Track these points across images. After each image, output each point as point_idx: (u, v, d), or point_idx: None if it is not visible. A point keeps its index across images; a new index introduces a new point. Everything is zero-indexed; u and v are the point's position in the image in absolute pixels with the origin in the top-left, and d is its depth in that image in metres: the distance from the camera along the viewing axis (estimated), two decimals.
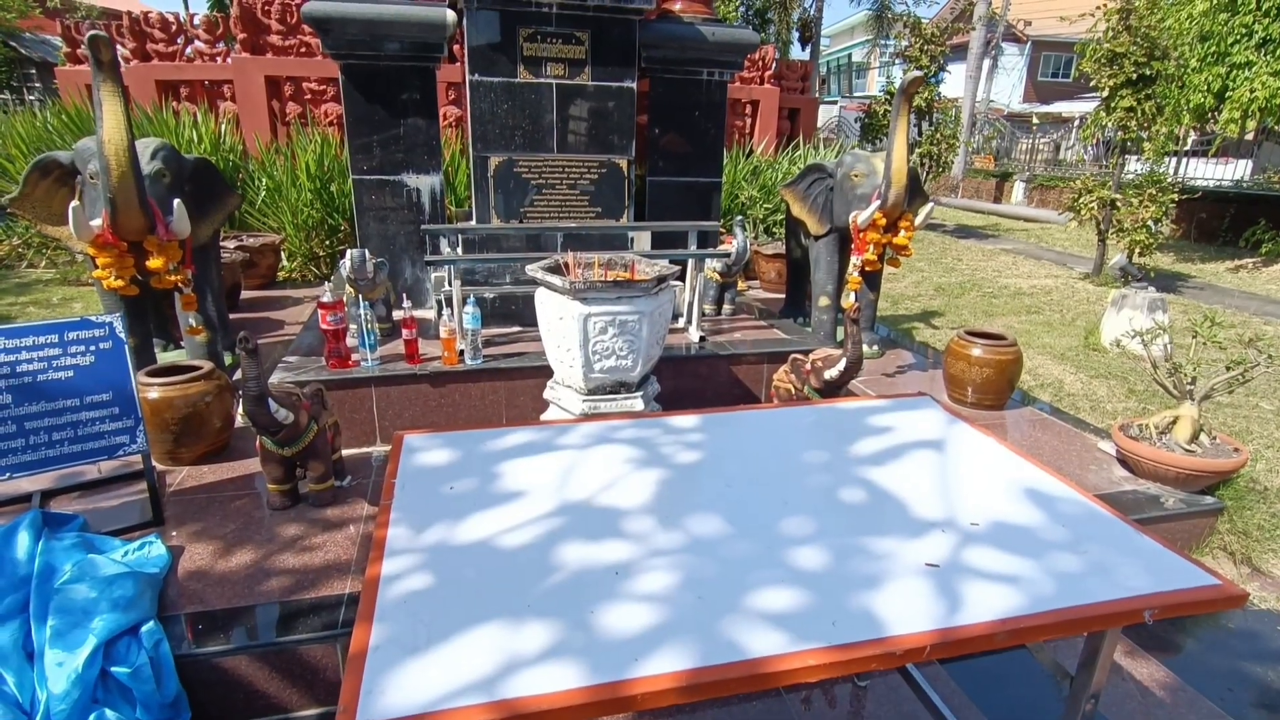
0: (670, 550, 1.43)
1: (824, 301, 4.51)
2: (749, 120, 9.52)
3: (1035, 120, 21.93)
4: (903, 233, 4.01)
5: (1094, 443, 3.48)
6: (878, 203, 3.92)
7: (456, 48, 4.81)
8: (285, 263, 6.63)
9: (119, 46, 7.36)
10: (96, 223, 3.06)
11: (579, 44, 4.04)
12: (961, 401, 3.82)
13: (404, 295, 3.84)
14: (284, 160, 6.85)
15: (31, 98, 17.98)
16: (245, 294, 5.81)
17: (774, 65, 9.65)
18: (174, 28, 7.78)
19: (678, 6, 4.69)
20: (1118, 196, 8.05)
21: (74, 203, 3.07)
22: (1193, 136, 13.12)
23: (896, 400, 2.24)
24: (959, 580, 1.36)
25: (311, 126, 7.38)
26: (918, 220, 4.11)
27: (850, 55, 36.04)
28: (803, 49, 23.45)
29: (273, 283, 6.39)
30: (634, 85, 4.19)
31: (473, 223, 4.26)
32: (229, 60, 7.76)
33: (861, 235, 4.05)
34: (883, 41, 22.88)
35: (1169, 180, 8.17)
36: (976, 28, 17.16)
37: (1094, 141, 11.75)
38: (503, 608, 1.24)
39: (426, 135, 4.32)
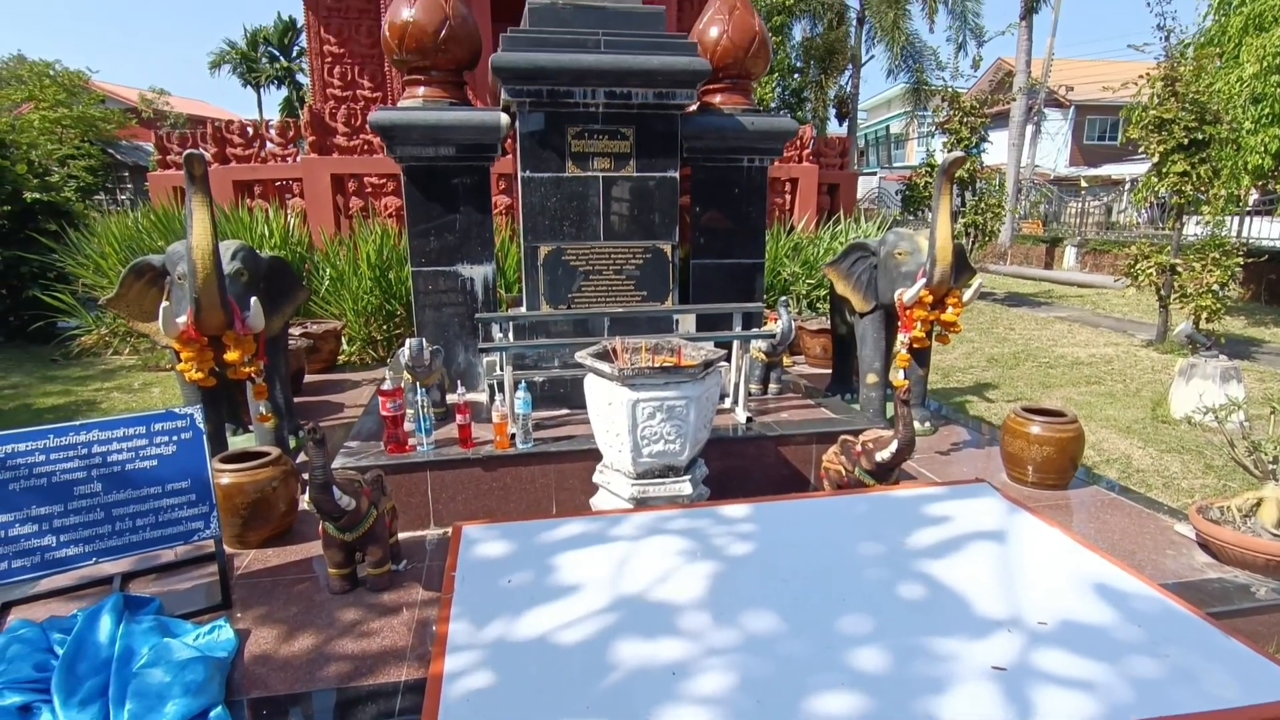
0: (726, 649, 1.42)
1: (872, 379, 4.48)
2: (789, 197, 9.72)
3: (1084, 183, 21.73)
4: (950, 309, 4.00)
5: (1169, 524, 3.30)
6: (923, 280, 3.93)
7: (508, 144, 5.13)
8: (346, 347, 6.95)
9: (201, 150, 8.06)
10: (182, 320, 3.32)
11: (624, 139, 4.26)
12: (1022, 481, 3.69)
13: (458, 380, 3.97)
14: (346, 251, 7.28)
15: (124, 198, 19.69)
16: (309, 378, 6.08)
17: (812, 143, 9.89)
18: (251, 133, 8.52)
19: (718, 99, 4.92)
20: (1178, 262, 7.82)
21: (164, 303, 3.33)
22: (1254, 195, 12.79)
23: (953, 487, 2.20)
24: (1029, 685, 1.32)
25: (373, 218, 7.86)
26: (966, 296, 4.09)
27: (888, 127, 36.71)
28: (840, 124, 24.03)
29: (334, 366, 6.68)
30: (676, 175, 4.37)
31: (523, 309, 4.42)
32: (298, 160, 8.41)
33: (908, 312, 4.05)
34: (921, 113, 23.20)
35: (1232, 243, 7.92)
36: (1017, 98, 17.33)
37: (1147, 205, 11.52)
38: (564, 708, 1.25)
39: (480, 228, 4.56)
